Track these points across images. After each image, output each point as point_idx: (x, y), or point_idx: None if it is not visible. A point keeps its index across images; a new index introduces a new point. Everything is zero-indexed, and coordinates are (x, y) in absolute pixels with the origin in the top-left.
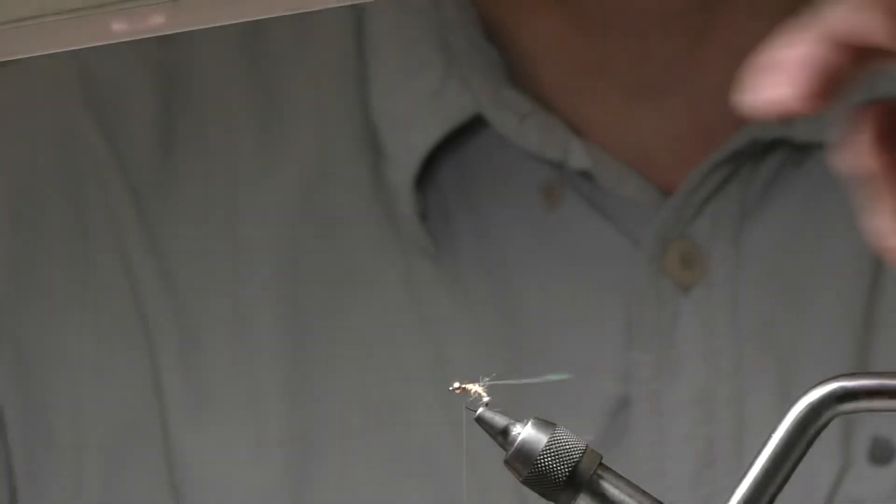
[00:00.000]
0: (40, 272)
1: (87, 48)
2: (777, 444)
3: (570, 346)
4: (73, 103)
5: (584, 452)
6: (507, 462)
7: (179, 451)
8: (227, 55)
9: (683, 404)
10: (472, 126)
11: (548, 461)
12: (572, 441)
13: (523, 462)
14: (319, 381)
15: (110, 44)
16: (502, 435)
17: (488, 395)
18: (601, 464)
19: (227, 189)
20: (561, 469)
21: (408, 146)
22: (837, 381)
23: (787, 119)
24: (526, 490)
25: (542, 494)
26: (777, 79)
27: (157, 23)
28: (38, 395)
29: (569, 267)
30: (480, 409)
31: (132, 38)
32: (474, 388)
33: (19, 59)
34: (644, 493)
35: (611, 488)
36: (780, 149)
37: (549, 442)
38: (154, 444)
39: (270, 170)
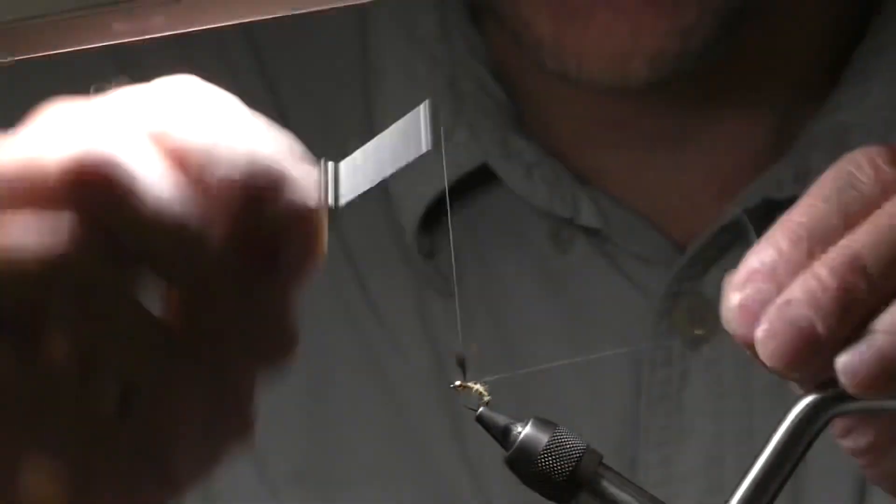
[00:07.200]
0: None
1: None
2: (777, 445)
3: (576, 395)
4: None
5: (584, 452)
6: (507, 462)
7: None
8: (231, 57)
9: (693, 471)
10: (481, 169)
11: (548, 461)
12: (573, 441)
13: (524, 462)
14: (337, 408)
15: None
16: (503, 435)
17: (489, 395)
18: (601, 463)
19: None
20: (561, 469)
21: (412, 193)
22: None
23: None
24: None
25: (543, 494)
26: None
27: (157, 23)
28: None
29: (575, 314)
30: (481, 409)
31: (132, 39)
32: (475, 386)
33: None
34: (644, 492)
35: (611, 487)
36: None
37: (549, 442)
38: None
39: None
